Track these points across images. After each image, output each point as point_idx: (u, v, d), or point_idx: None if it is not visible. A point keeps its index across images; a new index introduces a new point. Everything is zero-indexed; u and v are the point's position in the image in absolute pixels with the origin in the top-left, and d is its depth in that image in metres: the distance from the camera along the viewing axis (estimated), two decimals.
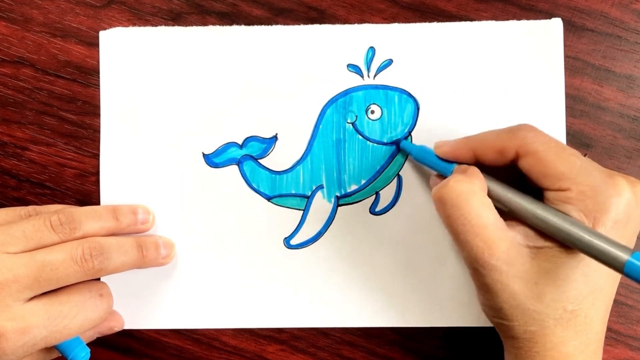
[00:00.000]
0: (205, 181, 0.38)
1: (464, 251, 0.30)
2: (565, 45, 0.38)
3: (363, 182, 0.38)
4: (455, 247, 0.36)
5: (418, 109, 0.38)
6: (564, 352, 0.29)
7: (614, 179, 0.29)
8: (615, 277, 0.31)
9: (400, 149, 0.38)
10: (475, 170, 0.31)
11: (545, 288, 0.29)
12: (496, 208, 0.30)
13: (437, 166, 0.34)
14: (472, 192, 0.29)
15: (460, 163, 0.33)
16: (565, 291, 0.29)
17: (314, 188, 0.38)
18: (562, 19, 0.38)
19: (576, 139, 0.38)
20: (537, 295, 0.29)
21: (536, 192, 0.30)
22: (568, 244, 0.28)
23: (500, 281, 0.29)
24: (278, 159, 0.38)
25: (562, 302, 0.29)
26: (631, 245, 0.30)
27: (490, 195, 0.31)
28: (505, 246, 0.29)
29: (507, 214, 0.31)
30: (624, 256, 0.26)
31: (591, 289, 0.29)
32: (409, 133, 0.38)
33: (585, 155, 0.31)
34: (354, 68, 0.38)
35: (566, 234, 0.28)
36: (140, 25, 0.39)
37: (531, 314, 0.29)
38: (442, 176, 0.34)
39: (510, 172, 0.31)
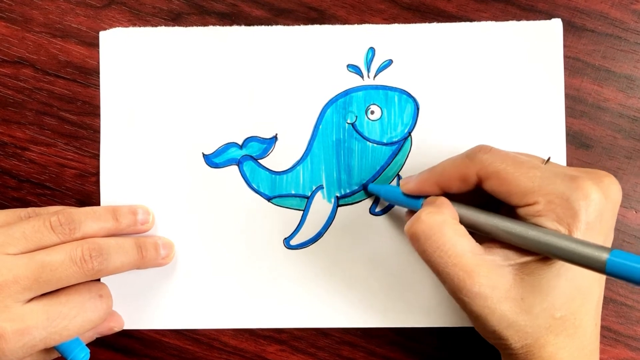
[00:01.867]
0: (205, 181, 0.38)
1: (445, 283, 0.30)
2: (565, 46, 0.38)
3: (363, 182, 0.38)
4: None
5: (418, 109, 0.38)
6: None
7: (578, 182, 0.28)
8: (600, 276, 0.30)
9: (368, 191, 0.38)
10: (444, 201, 0.31)
11: (533, 301, 0.29)
12: (471, 233, 0.30)
13: (406, 203, 0.34)
14: (444, 222, 0.29)
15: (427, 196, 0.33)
16: (552, 300, 0.29)
17: (314, 188, 0.38)
18: (562, 19, 0.38)
19: (576, 139, 0.38)
20: (525, 310, 0.29)
21: (509, 209, 0.30)
22: (548, 255, 0.28)
23: (486, 306, 0.29)
24: (278, 159, 0.38)
25: (550, 311, 0.29)
26: (609, 239, 0.30)
27: (462, 222, 0.31)
28: (485, 271, 0.29)
29: (483, 237, 0.30)
30: (603, 256, 0.26)
31: (577, 292, 0.29)
32: (409, 133, 0.38)
33: (547, 161, 0.31)
34: (354, 68, 0.38)
35: (544, 246, 0.28)
36: (140, 26, 0.39)
37: (524, 329, 0.29)
38: (414, 212, 0.33)
39: (480, 194, 0.31)
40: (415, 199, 0.33)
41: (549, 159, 0.31)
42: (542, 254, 0.28)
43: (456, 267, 0.29)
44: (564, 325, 0.29)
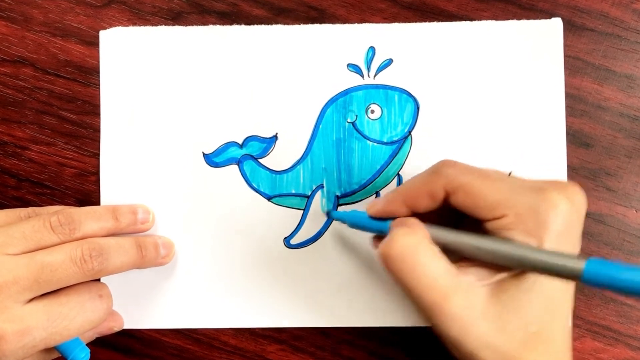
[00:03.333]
0: (205, 181, 0.38)
1: (420, 306, 0.29)
2: (565, 45, 0.38)
3: (363, 181, 0.38)
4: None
5: (418, 108, 0.38)
6: None
7: (545, 193, 0.28)
8: (570, 288, 0.30)
9: (332, 218, 0.38)
10: (415, 221, 0.30)
11: (508, 318, 0.28)
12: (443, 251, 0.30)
13: (373, 227, 0.33)
14: (418, 243, 0.29)
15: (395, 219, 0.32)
16: (525, 315, 0.28)
17: (314, 188, 0.38)
18: (562, 18, 0.38)
19: (576, 138, 0.38)
20: (501, 328, 0.28)
21: (477, 225, 0.30)
22: (521, 269, 0.28)
23: (463, 328, 0.28)
24: (278, 159, 0.38)
25: (525, 326, 0.28)
26: (578, 248, 0.30)
27: (433, 242, 0.30)
28: (461, 292, 0.28)
29: (455, 257, 0.30)
30: (579, 265, 0.26)
31: (549, 305, 0.29)
32: (409, 133, 0.38)
33: (510, 174, 0.30)
34: (354, 68, 0.38)
35: (517, 260, 0.27)
36: (140, 25, 0.39)
37: (500, 348, 0.28)
38: (381, 237, 0.32)
39: (446, 214, 0.31)
40: (382, 222, 0.32)
41: (510, 173, 0.31)
42: (515, 269, 0.28)
43: (431, 289, 0.28)
44: (538, 340, 0.29)
